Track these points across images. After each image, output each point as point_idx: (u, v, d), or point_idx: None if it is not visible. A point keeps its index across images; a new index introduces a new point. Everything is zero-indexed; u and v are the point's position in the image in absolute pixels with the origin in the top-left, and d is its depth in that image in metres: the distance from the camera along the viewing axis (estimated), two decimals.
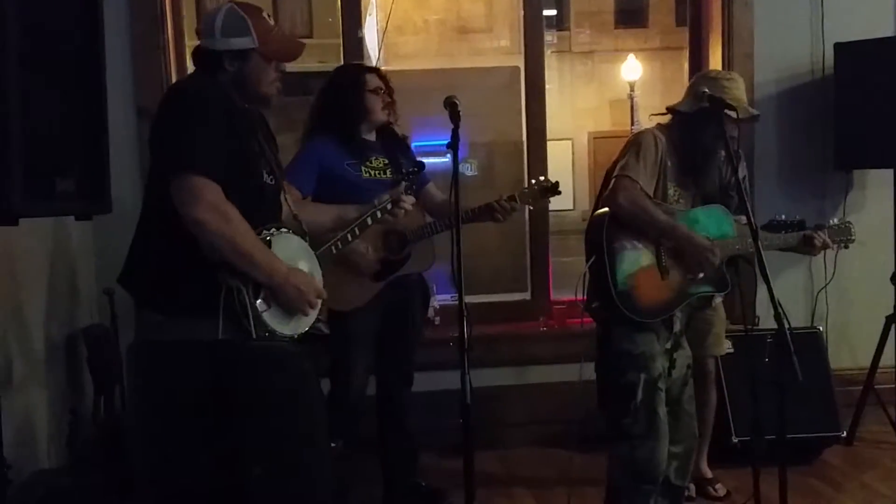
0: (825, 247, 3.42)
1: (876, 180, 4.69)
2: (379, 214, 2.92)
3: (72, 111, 2.36)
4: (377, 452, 3.69)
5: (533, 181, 3.57)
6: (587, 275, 3.10)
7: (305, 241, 2.60)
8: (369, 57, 4.83)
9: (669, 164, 3.13)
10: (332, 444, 2.85)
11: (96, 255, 3.97)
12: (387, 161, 3.54)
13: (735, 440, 3.90)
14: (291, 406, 2.42)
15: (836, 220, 3.53)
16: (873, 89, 4.28)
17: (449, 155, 2.62)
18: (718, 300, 3.75)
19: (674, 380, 3.18)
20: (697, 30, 4.87)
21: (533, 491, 3.93)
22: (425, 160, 3.85)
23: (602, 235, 3.04)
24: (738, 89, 3.13)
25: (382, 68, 3.93)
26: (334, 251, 2.86)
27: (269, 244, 2.40)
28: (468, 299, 2.53)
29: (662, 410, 3.09)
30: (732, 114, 3.03)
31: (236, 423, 2.33)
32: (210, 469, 2.33)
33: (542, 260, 4.82)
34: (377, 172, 3.51)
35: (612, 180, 3.09)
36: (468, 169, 5.45)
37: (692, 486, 3.72)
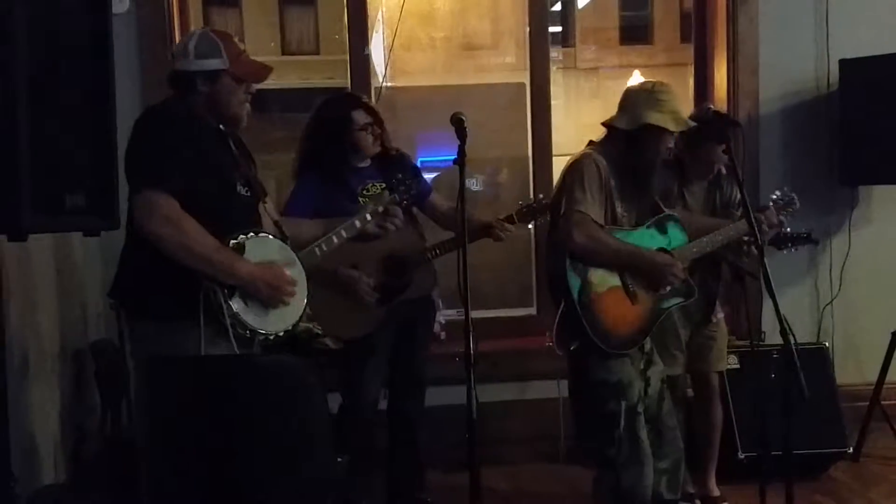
0: (775, 227, 3.48)
1: (881, 196, 4.69)
2: (369, 217, 2.97)
3: (81, 128, 2.38)
4: (384, 467, 3.69)
5: (532, 199, 3.58)
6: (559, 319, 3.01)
7: (287, 244, 2.71)
8: (375, 74, 4.85)
9: (613, 183, 3.08)
10: (339, 459, 2.86)
11: (103, 270, 3.98)
12: (384, 185, 3.53)
13: (741, 456, 3.88)
14: (294, 419, 2.43)
15: (777, 193, 3.56)
16: (878, 105, 4.29)
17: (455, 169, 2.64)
18: (721, 315, 3.74)
19: (650, 397, 3.15)
20: (702, 46, 4.89)
21: None
22: (431, 176, 3.87)
23: (566, 276, 2.97)
24: (674, 101, 3.07)
25: (389, 85, 3.94)
26: (318, 253, 2.92)
27: (242, 247, 2.53)
28: (474, 315, 2.55)
29: (644, 434, 3.06)
30: (671, 126, 3.02)
31: (240, 436, 2.35)
32: (214, 483, 2.34)
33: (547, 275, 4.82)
34: None
35: (563, 217, 3.01)
36: (474, 184, 5.46)
37: (698, 503, 3.70)
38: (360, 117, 3.49)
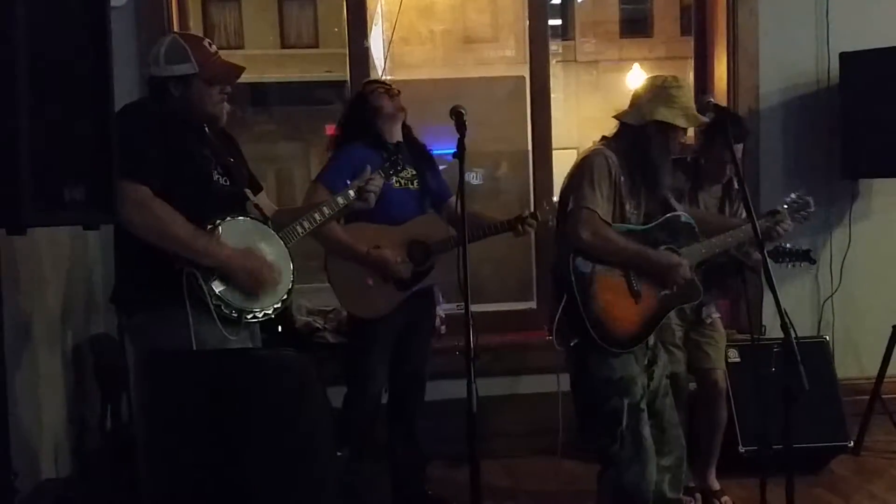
0: (784, 235, 3.45)
1: (881, 189, 4.69)
2: (352, 194, 3.02)
3: (79, 122, 2.37)
4: (387, 460, 3.70)
5: (555, 199, 3.57)
6: (560, 313, 2.98)
7: (267, 225, 2.78)
8: (375, 67, 4.85)
9: (623, 179, 3.04)
10: (339, 453, 2.86)
11: (103, 264, 3.98)
12: (414, 171, 3.60)
13: (742, 450, 3.88)
14: (295, 414, 2.43)
15: (793, 196, 3.51)
16: (879, 99, 4.29)
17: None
18: (716, 316, 3.73)
19: (653, 391, 3.13)
20: (702, 39, 4.89)
21: (539, 502, 3.92)
22: None
23: (569, 272, 2.95)
24: (685, 97, 3.02)
25: (388, 78, 3.98)
26: (300, 230, 2.92)
27: (218, 231, 2.61)
28: (474, 308, 2.54)
29: (647, 431, 3.04)
30: (680, 123, 2.97)
31: (240, 430, 2.35)
32: (214, 478, 2.34)
33: (547, 269, 4.82)
34: (407, 182, 3.58)
35: (570, 213, 2.99)
36: (474, 178, 5.46)
37: (698, 497, 3.71)
38: (372, 84, 3.69)
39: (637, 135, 3.05)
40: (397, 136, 3.60)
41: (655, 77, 3.13)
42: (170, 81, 2.71)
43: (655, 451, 3.09)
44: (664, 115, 2.98)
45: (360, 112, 3.61)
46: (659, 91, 3.03)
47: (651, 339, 3.15)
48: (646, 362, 3.11)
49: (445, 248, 3.52)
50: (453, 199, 3.69)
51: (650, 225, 3.10)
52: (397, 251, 3.50)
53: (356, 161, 3.38)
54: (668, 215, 3.14)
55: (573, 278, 2.94)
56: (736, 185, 3.57)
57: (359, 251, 3.45)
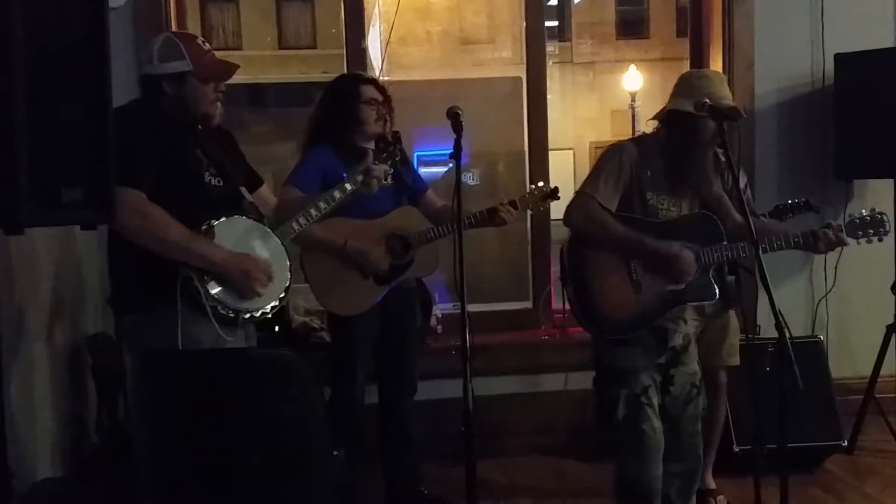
0: (838, 244, 3.16)
1: (876, 190, 4.70)
2: (349, 187, 3.01)
3: (77, 122, 2.38)
4: (378, 460, 3.70)
5: (532, 187, 3.61)
6: (562, 286, 3.09)
7: (262, 223, 2.78)
8: (372, 67, 4.85)
9: (649, 172, 3.04)
10: (335, 453, 2.87)
11: (101, 264, 3.97)
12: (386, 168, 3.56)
13: (736, 449, 3.90)
14: (292, 413, 2.44)
15: (865, 211, 3.20)
16: (873, 100, 4.30)
17: (451, 164, 2.65)
18: (730, 311, 3.72)
19: (675, 397, 3.13)
20: (698, 40, 4.90)
21: (535, 500, 3.92)
22: (428, 170, 3.90)
23: (565, 253, 3.01)
24: (707, 86, 2.97)
25: (385, 79, 3.94)
26: (295, 227, 2.92)
27: (212, 232, 2.63)
28: (470, 308, 2.55)
29: (650, 426, 3.03)
30: (690, 109, 2.89)
31: (236, 430, 2.35)
32: (211, 479, 2.35)
33: (543, 269, 4.84)
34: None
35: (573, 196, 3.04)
36: (470, 178, 5.47)
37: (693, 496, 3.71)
38: (369, 92, 3.52)
39: (663, 127, 3.10)
40: (376, 127, 3.52)
41: (686, 72, 3.20)
42: (164, 79, 2.72)
43: (668, 455, 3.09)
44: (679, 104, 2.99)
45: (343, 117, 3.49)
46: (681, 83, 3.08)
47: (676, 340, 3.12)
48: (662, 360, 3.10)
49: (425, 240, 3.51)
50: (430, 192, 3.70)
51: (668, 219, 3.09)
52: (376, 245, 3.47)
53: (326, 165, 3.40)
54: (691, 213, 3.13)
55: (568, 259, 3.03)
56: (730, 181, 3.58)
57: (335, 244, 3.39)
